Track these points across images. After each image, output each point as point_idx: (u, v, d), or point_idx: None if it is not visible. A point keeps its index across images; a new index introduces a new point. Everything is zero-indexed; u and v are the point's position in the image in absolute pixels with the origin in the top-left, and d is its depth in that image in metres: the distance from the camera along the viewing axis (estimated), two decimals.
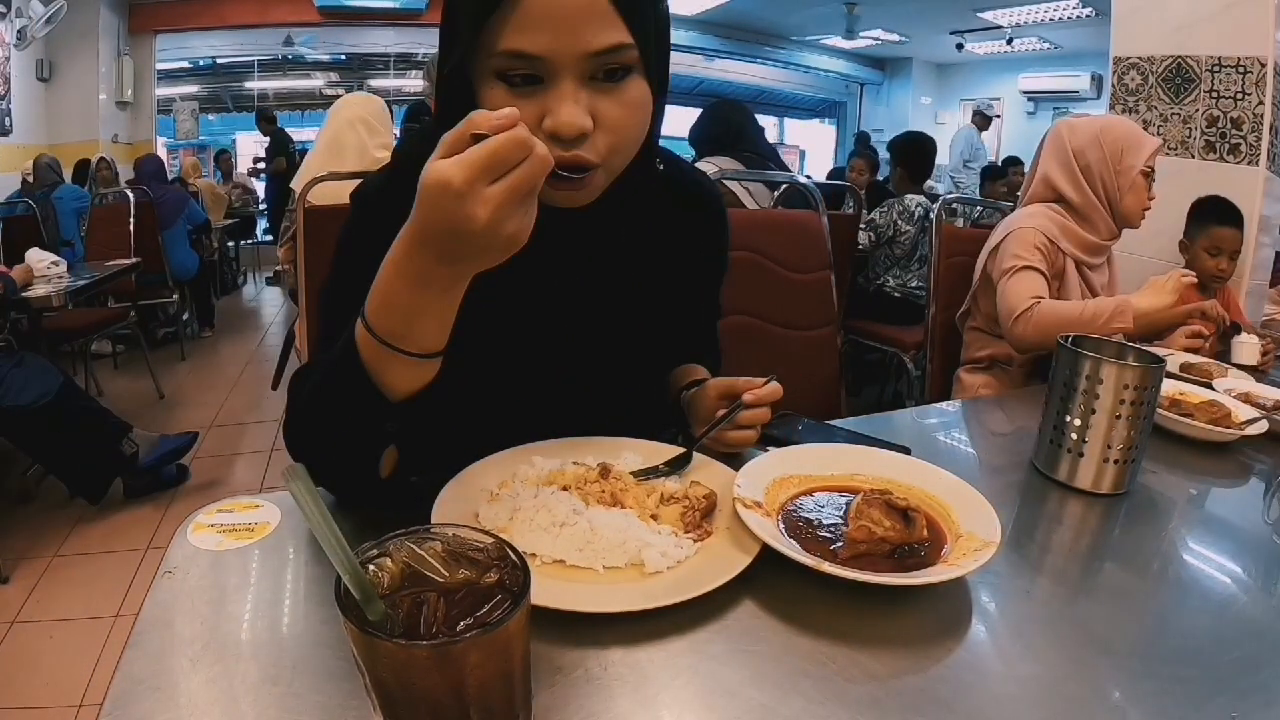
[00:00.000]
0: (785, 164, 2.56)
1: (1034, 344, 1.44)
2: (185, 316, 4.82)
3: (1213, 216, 1.82)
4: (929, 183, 8.07)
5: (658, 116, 0.64)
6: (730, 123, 2.45)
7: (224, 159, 6.91)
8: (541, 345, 0.77)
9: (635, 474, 0.71)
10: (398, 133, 2.59)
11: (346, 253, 0.73)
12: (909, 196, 3.04)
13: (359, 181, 0.78)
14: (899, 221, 2.98)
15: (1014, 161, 5.76)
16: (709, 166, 2.28)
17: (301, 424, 0.65)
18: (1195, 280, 1.46)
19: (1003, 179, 5.50)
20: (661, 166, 0.79)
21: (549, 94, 0.56)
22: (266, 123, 6.51)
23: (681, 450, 0.76)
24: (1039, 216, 1.52)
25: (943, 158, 9.36)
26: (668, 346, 0.88)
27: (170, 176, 5.18)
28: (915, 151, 3.22)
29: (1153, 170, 1.49)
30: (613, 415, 0.81)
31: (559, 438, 0.77)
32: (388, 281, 0.53)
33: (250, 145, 8.27)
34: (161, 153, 6.49)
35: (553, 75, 0.56)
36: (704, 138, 2.47)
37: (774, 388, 0.76)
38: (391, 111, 2.57)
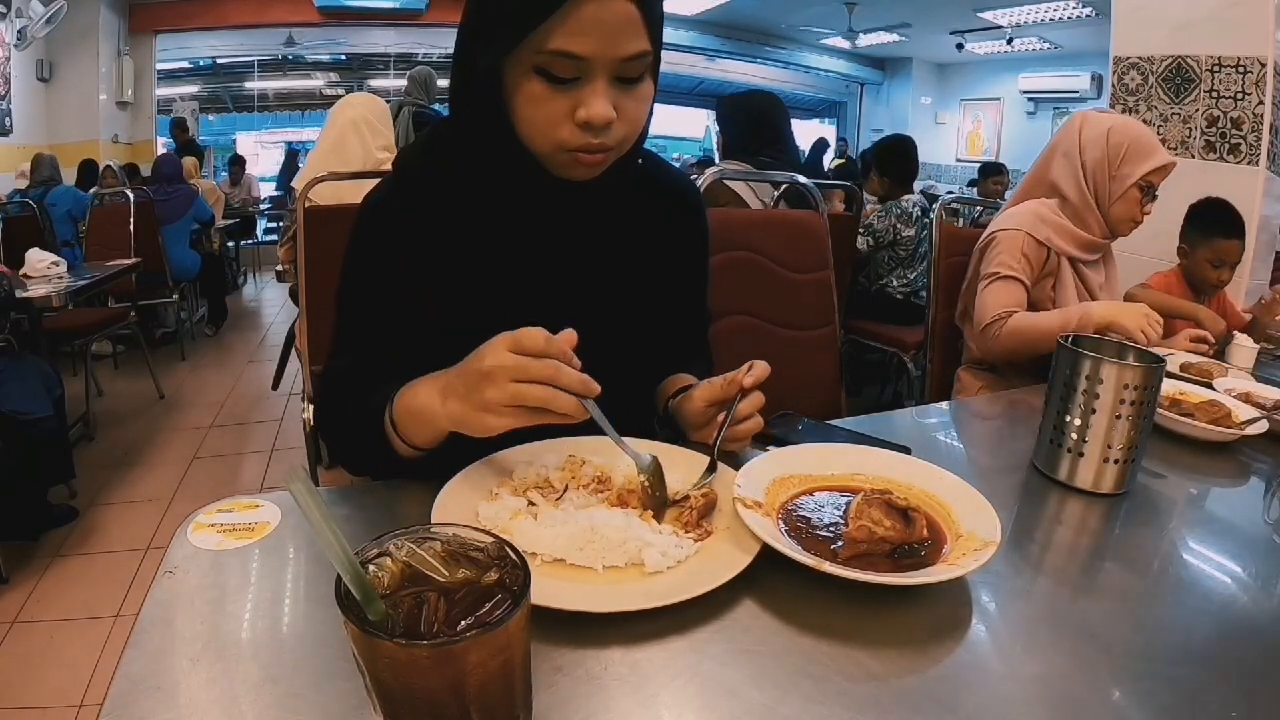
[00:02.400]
0: (809, 171, 2.47)
1: (1001, 355, 1.46)
2: (200, 315, 4.84)
3: (1218, 227, 1.78)
4: (929, 181, 8.07)
5: (652, 110, 0.75)
6: (768, 122, 2.31)
7: (237, 163, 6.87)
8: (539, 319, 0.79)
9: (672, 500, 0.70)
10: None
11: (356, 265, 0.81)
12: (905, 198, 3.04)
13: (361, 181, 0.81)
14: (898, 225, 2.98)
15: (997, 169, 5.71)
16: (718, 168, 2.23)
17: (336, 436, 0.81)
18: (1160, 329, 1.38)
19: (997, 176, 5.52)
20: (641, 162, 0.84)
21: (584, 90, 0.66)
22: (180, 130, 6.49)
23: (706, 462, 0.74)
24: (1027, 216, 1.50)
25: (940, 157, 9.41)
26: (653, 340, 0.89)
27: None
28: (896, 156, 3.19)
29: (1153, 187, 1.44)
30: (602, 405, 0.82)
31: (554, 435, 0.76)
32: (414, 396, 0.67)
33: (250, 145, 8.29)
34: (162, 153, 6.46)
35: (589, 74, 0.65)
36: (738, 133, 2.32)
37: (762, 367, 0.77)
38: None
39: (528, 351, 0.59)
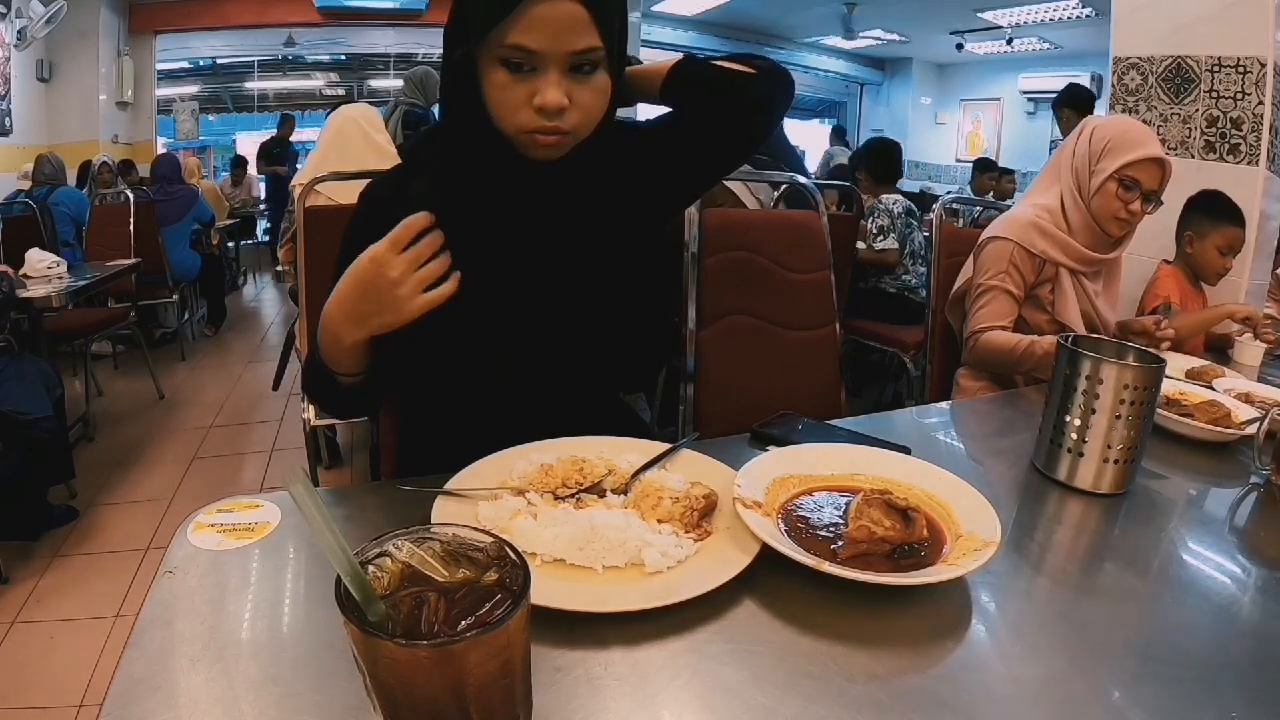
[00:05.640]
0: (804, 166, 2.48)
1: (975, 365, 1.55)
2: (200, 314, 4.84)
3: (1226, 215, 1.80)
4: (927, 182, 8.11)
5: (614, 98, 0.81)
6: None
7: (240, 164, 6.92)
8: (523, 295, 0.84)
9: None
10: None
11: (355, 240, 0.84)
12: (885, 196, 3.09)
13: (361, 181, 0.86)
14: (894, 222, 3.03)
15: (1006, 171, 5.84)
16: None
17: (318, 398, 0.88)
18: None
19: (991, 173, 5.59)
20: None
21: (539, 79, 0.74)
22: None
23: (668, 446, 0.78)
24: (1020, 225, 1.50)
25: (940, 157, 9.42)
26: (650, 287, 0.94)
27: None
28: (880, 155, 3.39)
29: (1135, 181, 1.40)
30: (594, 370, 0.89)
31: (548, 402, 0.83)
32: (327, 341, 0.77)
33: (250, 145, 8.28)
34: (161, 153, 6.48)
35: (543, 65, 0.73)
36: None
37: None
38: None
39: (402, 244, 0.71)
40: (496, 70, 0.74)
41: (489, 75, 0.75)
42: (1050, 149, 8.08)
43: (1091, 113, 3.51)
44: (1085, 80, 7.58)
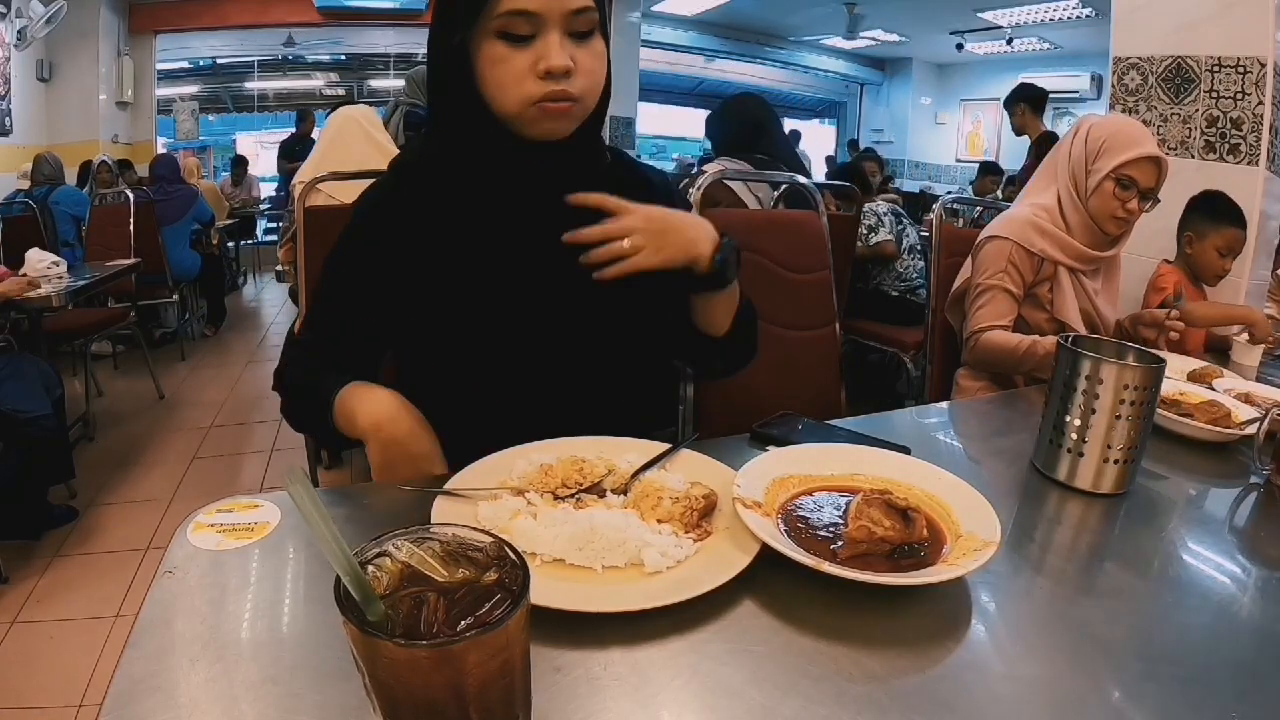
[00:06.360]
0: (804, 166, 2.50)
1: (976, 365, 1.54)
2: (202, 314, 4.85)
3: (1227, 216, 1.80)
4: (927, 182, 8.20)
5: (609, 71, 0.82)
6: (750, 119, 2.35)
7: (240, 164, 6.92)
8: (519, 303, 0.84)
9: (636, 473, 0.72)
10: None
11: (347, 246, 0.86)
12: (867, 205, 3.16)
13: (360, 181, 0.87)
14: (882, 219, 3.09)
15: (995, 169, 5.88)
16: (714, 166, 2.25)
17: (289, 403, 0.88)
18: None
19: (995, 176, 5.61)
20: (611, 159, 0.91)
21: (541, 44, 0.74)
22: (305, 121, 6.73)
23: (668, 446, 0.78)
24: (1018, 224, 1.50)
25: (940, 157, 9.43)
26: (648, 318, 0.91)
27: None
28: (850, 178, 3.55)
29: (1132, 180, 1.41)
30: (599, 384, 0.87)
31: (550, 404, 0.83)
32: (349, 406, 0.77)
33: (250, 145, 8.28)
34: (160, 153, 6.47)
35: (543, 29, 0.73)
36: (724, 136, 2.37)
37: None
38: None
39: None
40: (494, 45, 0.74)
41: (486, 54, 0.74)
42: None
43: (1044, 107, 3.64)
44: (1085, 80, 7.60)
